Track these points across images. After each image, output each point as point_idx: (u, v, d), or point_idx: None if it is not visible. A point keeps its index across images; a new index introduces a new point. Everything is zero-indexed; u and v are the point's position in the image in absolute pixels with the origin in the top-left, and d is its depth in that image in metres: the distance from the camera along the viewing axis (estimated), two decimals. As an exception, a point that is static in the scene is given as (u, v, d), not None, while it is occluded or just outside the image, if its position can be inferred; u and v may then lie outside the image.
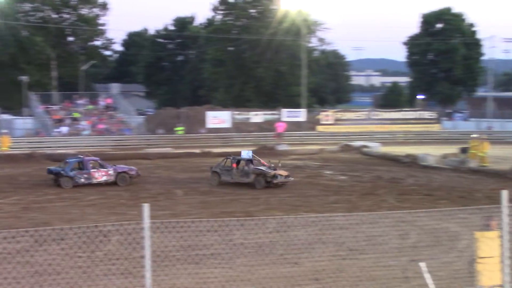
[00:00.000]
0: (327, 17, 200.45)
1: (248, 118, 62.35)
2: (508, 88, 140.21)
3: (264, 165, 32.09)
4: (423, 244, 17.63)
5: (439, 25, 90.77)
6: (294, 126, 62.15)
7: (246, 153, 32.97)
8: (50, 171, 32.51)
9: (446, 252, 17.17)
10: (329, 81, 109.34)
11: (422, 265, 11.14)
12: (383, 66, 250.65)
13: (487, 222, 11.64)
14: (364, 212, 14.88)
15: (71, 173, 31.77)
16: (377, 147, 49.54)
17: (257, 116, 62.62)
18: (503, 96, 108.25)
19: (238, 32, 79.10)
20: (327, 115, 63.65)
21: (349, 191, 30.02)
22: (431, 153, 43.40)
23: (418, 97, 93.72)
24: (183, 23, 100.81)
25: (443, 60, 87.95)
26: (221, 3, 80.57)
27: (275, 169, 31.55)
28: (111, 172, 32.36)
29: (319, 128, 62.28)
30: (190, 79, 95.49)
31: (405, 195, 28.94)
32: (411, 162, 41.08)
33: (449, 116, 72.93)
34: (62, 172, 31.76)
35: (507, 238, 10.11)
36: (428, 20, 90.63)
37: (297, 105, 67.60)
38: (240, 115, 62.34)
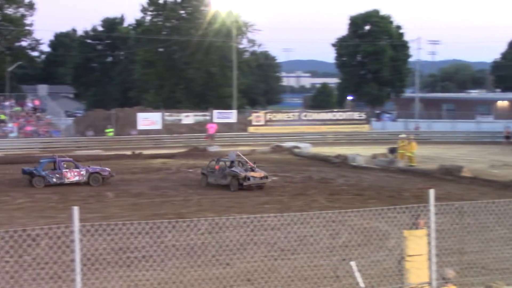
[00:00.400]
0: (258, 18, 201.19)
1: (179, 120, 62.08)
2: (434, 89, 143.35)
3: (246, 166, 31.21)
4: (354, 244, 17.84)
5: (367, 27, 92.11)
6: (225, 127, 62.15)
7: (230, 154, 32.63)
8: (24, 171, 32.88)
9: (376, 251, 17.43)
10: (259, 82, 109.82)
11: (353, 264, 11.27)
12: (313, 68, 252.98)
13: (415, 221, 11.87)
14: (296, 213, 14.95)
15: (43, 173, 32.23)
16: (307, 148, 49.95)
17: (188, 118, 62.39)
18: (429, 97, 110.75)
19: (168, 33, 78.66)
20: (258, 116, 63.86)
21: (280, 192, 30.17)
22: (360, 153, 44.01)
23: (347, 98, 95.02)
24: (112, 24, 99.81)
25: (371, 61, 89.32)
26: (150, 4, 79.96)
27: (252, 171, 30.71)
28: (83, 172, 32.60)
29: (250, 129, 62.44)
30: (120, 80, 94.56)
31: (336, 195, 29.25)
32: (341, 162, 41.56)
33: (378, 117, 74.17)
34: (34, 171, 32.26)
35: (434, 236, 10.32)
36: (356, 22, 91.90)
37: (228, 106, 67.63)
38: (171, 117, 62.04)
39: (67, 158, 34.69)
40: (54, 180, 32.22)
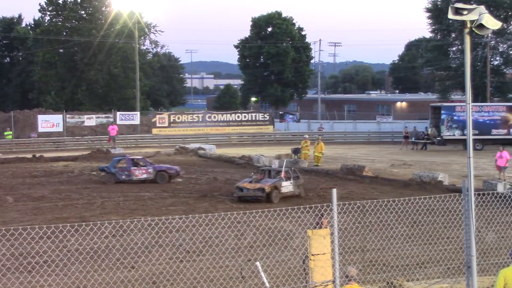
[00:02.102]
0: (160, 19, 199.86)
1: (81, 122, 61.05)
2: (336, 90, 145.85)
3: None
4: (259, 244, 17.99)
5: (269, 29, 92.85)
6: (129, 129, 61.55)
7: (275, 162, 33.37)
8: (100, 169, 35.31)
9: (281, 251, 17.62)
10: (163, 83, 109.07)
11: (258, 264, 11.34)
12: (217, 69, 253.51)
13: (318, 220, 12.05)
14: (201, 214, 14.94)
15: (113, 170, 33.96)
16: (212, 149, 50.02)
17: (90, 120, 61.42)
18: (331, 98, 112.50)
19: (68, 34, 77.17)
20: (162, 118, 63.47)
21: (186, 193, 30.09)
22: (265, 154, 44.41)
23: (251, 99, 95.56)
24: (9, 24, 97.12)
25: (274, 63, 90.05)
26: (48, 3, 78.20)
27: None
28: (150, 170, 33.95)
29: (155, 131, 62.00)
30: (19, 81, 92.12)
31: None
32: (246, 163, 41.81)
33: (281, 118, 74.83)
34: (105, 169, 34.31)
35: (337, 235, 10.49)
36: (259, 24, 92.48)
37: (132, 108, 66.96)
38: (73, 119, 60.94)
39: (137, 157, 36.80)
40: (123, 177, 33.78)
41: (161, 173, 34.12)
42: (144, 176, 33.99)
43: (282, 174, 28.20)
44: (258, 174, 29.30)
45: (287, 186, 28.11)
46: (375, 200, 13.21)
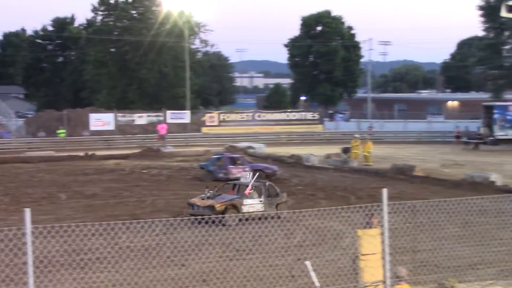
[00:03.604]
0: (210, 18, 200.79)
1: (132, 120, 61.69)
2: (386, 89, 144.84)
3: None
4: (308, 243, 17.95)
5: (319, 28, 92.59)
6: (179, 127, 61.95)
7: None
8: (200, 166, 35.70)
9: (330, 250, 17.55)
10: (213, 83, 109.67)
11: (308, 263, 11.33)
12: (266, 68, 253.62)
13: (368, 220, 11.98)
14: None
15: (211, 168, 34.37)
16: (261, 148, 50.04)
17: (141, 118, 62.03)
18: (381, 97, 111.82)
19: (119, 33, 78.05)
20: (212, 117, 63.77)
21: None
22: (314, 153, 44.26)
23: (300, 98, 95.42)
24: (62, 24, 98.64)
25: (324, 62, 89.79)
26: (100, 3, 79.22)
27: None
28: (247, 169, 33.05)
29: (204, 129, 62.32)
30: (71, 80, 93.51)
31: (290, 195, 29.32)
32: (296, 162, 41.74)
33: (331, 117, 74.59)
34: (204, 166, 34.89)
35: (388, 235, 10.42)
36: (308, 23, 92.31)
37: (182, 107, 67.38)
38: (124, 117, 61.60)
39: (236, 155, 37.18)
40: (221, 175, 33.76)
41: (258, 172, 33.91)
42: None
43: (247, 190, 23.69)
44: (223, 188, 24.83)
45: (253, 205, 23.13)
46: (426, 200, 13.09)
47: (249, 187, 23.77)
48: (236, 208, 22.75)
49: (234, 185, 24.73)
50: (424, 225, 17.28)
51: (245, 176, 25.00)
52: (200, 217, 15.96)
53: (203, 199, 23.29)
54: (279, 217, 20.84)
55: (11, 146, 54.25)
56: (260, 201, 23.41)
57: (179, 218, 16.92)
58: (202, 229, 17.80)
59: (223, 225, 20.24)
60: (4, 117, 61.92)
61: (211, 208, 22.39)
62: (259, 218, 21.17)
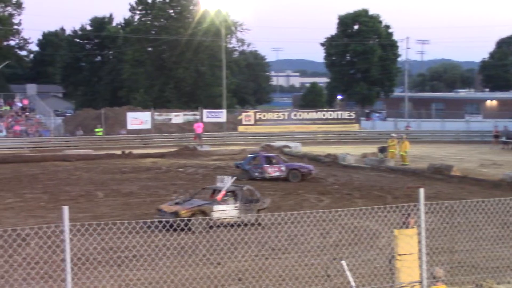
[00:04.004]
0: (247, 18, 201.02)
1: (168, 119, 62.00)
2: (423, 88, 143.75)
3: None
4: (344, 243, 17.87)
5: (356, 27, 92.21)
6: (215, 126, 62.12)
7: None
8: (235, 165, 35.85)
9: (367, 250, 17.47)
10: (249, 81, 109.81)
11: (343, 263, 11.28)
12: (302, 67, 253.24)
13: (405, 220, 11.90)
14: (286, 212, 14.94)
15: (247, 167, 34.40)
16: (298, 147, 49.97)
17: (178, 117, 62.32)
18: (418, 97, 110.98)
19: (157, 33, 78.56)
20: (248, 116, 63.84)
21: (271, 191, 30.17)
22: (350, 152, 44.10)
23: (337, 97, 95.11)
24: (100, 23, 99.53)
25: (361, 61, 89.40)
26: (138, 3, 79.83)
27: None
28: (283, 168, 33.94)
29: (240, 128, 62.42)
30: (109, 79, 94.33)
31: (327, 194, 29.28)
32: (332, 161, 41.62)
33: (368, 116, 74.21)
34: (239, 166, 34.86)
35: (425, 235, 10.34)
36: (345, 21, 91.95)
37: (218, 106, 67.55)
38: (161, 116, 61.94)
39: (271, 154, 37.09)
40: (256, 174, 33.93)
41: (294, 172, 33.83)
42: (277, 174, 33.78)
43: (219, 196, 22.14)
44: (202, 193, 23.60)
45: (225, 211, 21.57)
46: (463, 201, 12.95)
47: (222, 192, 22.21)
48: (205, 214, 21.02)
49: (214, 190, 23.00)
50: (461, 226, 17.10)
51: (223, 180, 23.18)
52: (166, 222, 15.55)
53: (170, 205, 22.13)
54: (259, 224, 20.31)
55: (50, 144, 54.90)
56: (235, 207, 21.80)
57: (216, 217, 16.97)
58: (238, 228, 17.84)
59: (189, 230, 18.34)
60: (43, 116, 62.62)
61: (176, 214, 20.69)
62: (233, 225, 20.35)
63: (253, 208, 22.12)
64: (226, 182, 22.71)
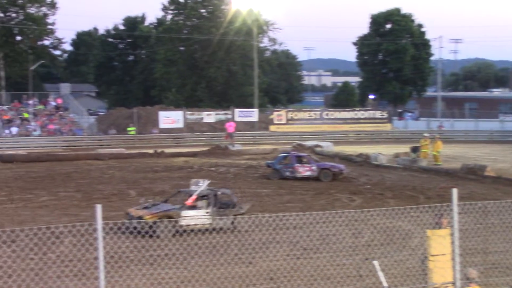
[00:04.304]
0: (278, 17, 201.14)
1: (200, 118, 62.17)
2: (457, 88, 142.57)
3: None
4: (376, 243, 17.81)
5: (388, 26, 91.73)
6: (247, 126, 62.18)
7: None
8: (266, 164, 35.80)
9: (399, 250, 17.38)
10: (281, 81, 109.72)
11: (376, 263, 11.24)
12: (334, 66, 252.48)
13: (438, 220, 11.81)
14: (318, 212, 14.91)
15: (278, 166, 34.21)
16: (329, 147, 49.84)
17: (209, 116, 62.47)
18: (451, 96, 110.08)
19: (189, 32, 78.86)
20: (280, 115, 63.82)
21: (303, 191, 30.15)
22: (382, 152, 43.88)
23: (369, 96, 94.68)
24: (133, 23, 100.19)
25: (393, 60, 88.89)
26: (171, 2, 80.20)
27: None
28: (314, 167, 33.87)
29: (272, 127, 62.41)
30: (141, 79, 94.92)
31: (358, 194, 29.18)
32: (364, 161, 41.45)
33: (400, 116, 73.76)
34: (270, 165, 34.68)
35: (458, 236, 10.27)
36: (377, 20, 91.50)
37: (250, 105, 67.61)
38: (193, 115, 62.14)
39: (302, 153, 37.03)
40: (287, 174, 33.77)
41: (325, 171, 33.74)
42: (308, 173, 33.66)
43: (189, 200, 20.99)
44: (178, 195, 22.74)
45: (195, 217, 20.30)
46: (497, 201, 12.83)
47: (193, 197, 21.08)
48: (173, 220, 19.71)
49: (191, 194, 21.62)
50: (495, 226, 16.94)
51: (198, 183, 21.97)
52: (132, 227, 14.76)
53: (138, 209, 21.13)
54: (234, 228, 19.34)
55: (83, 143, 55.41)
56: (207, 212, 20.59)
57: (246, 216, 16.99)
58: (270, 228, 17.84)
59: (154, 235, 17.57)
60: (76, 115, 63.17)
61: (140, 219, 19.36)
62: (206, 230, 19.45)
63: (228, 213, 20.84)
64: (201, 186, 21.61)
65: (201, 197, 21.21)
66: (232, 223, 19.47)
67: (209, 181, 22.54)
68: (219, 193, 21.92)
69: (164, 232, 18.33)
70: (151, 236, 15.96)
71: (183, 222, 19.81)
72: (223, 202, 21.72)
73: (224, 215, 20.32)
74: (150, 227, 16.69)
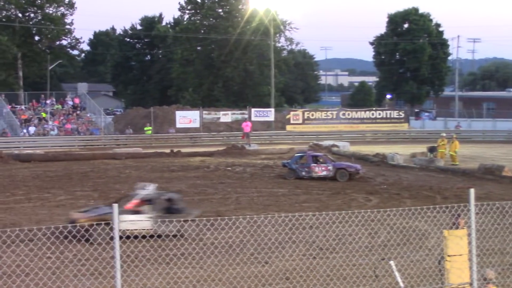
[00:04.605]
0: (295, 17, 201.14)
1: (217, 118, 62.26)
2: (474, 87, 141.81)
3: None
4: (393, 243, 17.75)
5: (405, 25, 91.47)
6: (263, 125, 62.19)
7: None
8: (282, 164, 35.65)
9: (416, 251, 17.32)
10: (297, 80, 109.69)
11: (392, 263, 11.20)
12: (351, 66, 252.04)
13: (455, 221, 11.76)
14: (334, 211, 14.89)
15: (294, 166, 34.08)
16: (346, 147, 49.77)
17: (226, 116, 62.55)
18: (469, 96, 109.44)
19: (206, 32, 79.01)
20: (296, 115, 63.78)
21: (319, 190, 30.11)
22: (399, 152, 43.73)
23: (386, 96, 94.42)
24: (150, 23, 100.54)
25: (410, 60, 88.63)
26: (188, 2, 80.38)
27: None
28: (330, 167, 33.76)
29: (289, 127, 62.39)
30: (158, 78, 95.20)
31: (375, 193, 29.11)
32: (380, 161, 41.34)
33: (417, 116, 73.49)
34: (286, 165, 34.57)
35: (475, 236, 10.21)
36: (395, 20, 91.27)
37: (266, 105, 67.64)
38: (209, 115, 62.23)
39: (318, 153, 36.99)
40: (303, 173, 33.69)
41: (341, 171, 33.61)
42: (324, 173, 33.55)
43: (129, 205, 20.05)
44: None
45: (136, 222, 19.03)
46: (515, 201, 12.74)
47: (134, 201, 20.17)
48: (109, 224, 19.08)
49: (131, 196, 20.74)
50: (513, 227, 16.84)
51: (144, 187, 20.92)
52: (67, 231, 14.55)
53: (77, 213, 20.58)
54: (181, 235, 17.94)
55: (100, 142, 55.64)
56: (150, 217, 19.45)
57: (263, 216, 17.00)
58: (286, 227, 17.83)
59: (88, 240, 16.58)
60: (93, 114, 63.47)
61: (73, 223, 18.08)
62: (150, 236, 16.95)
63: (174, 219, 18.88)
64: (147, 190, 20.59)
65: (146, 201, 20.15)
66: (179, 230, 17.97)
67: (156, 185, 21.55)
68: (165, 197, 20.64)
69: (101, 236, 17.34)
70: (87, 240, 15.39)
71: (121, 226, 17.46)
72: (170, 207, 20.28)
73: (169, 220, 18.42)
74: (87, 230, 15.91)
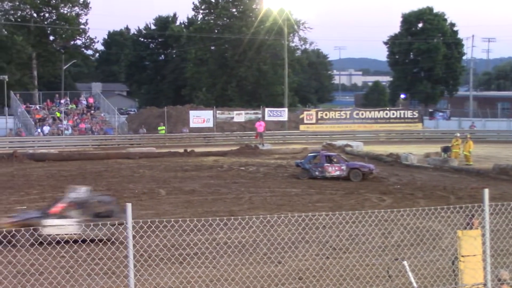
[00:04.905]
0: (309, 16, 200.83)
1: (230, 118, 62.26)
2: (489, 87, 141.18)
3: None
4: (406, 243, 17.70)
5: (420, 25, 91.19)
6: (277, 125, 62.15)
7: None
8: (296, 164, 35.69)
9: (429, 251, 17.26)
10: (311, 80, 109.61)
11: (405, 263, 11.17)
12: (365, 66, 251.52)
13: (469, 221, 11.71)
14: (348, 211, 14.87)
15: (307, 166, 34.13)
16: (359, 146, 49.66)
17: (239, 116, 62.54)
18: (483, 96, 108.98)
19: (219, 32, 79.05)
20: (310, 115, 63.69)
21: (332, 190, 30.08)
22: (413, 152, 43.60)
23: (400, 96, 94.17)
24: (164, 23, 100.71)
25: (424, 59, 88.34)
26: (202, 2, 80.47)
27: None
28: (343, 167, 33.77)
29: (302, 127, 62.31)
30: (172, 78, 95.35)
31: (388, 193, 29.04)
32: (394, 161, 41.23)
33: (431, 115, 73.20)
34: (300, 164, 34.62)
35: (489, 237, 10.16)
36: (409, 19, 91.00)
37: (280, 104, 67.58)
38: (223, 115, 62.25)
39: (332, 153, 37.05)
40: (317, 173, 33.75)
41: (355, 171, 33.58)
42: (337, 173, 33.55)
43: (53, 209, 19.38)
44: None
45: (61, 226, 18.39)
46: (530, 202, 12.67)
47: (59, 205, 19.44)
48: (34, 229, 17.46)
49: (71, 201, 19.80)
50: (528, 227, 16.76)
51: (74, 190, 20.08)
52: None
53: (5, 217, 19.78)
54: (109, 240, 15.90)
55: (114, 142, 55.80)
56: (76, 221, 18.67)
57: (276, 215, 17.00)
58: (299, 227, 17.82)
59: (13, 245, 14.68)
60: (107, 114, 63.65)
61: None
62: (76, 241, 17.05)
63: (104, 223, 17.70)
64: (77, 193, 19.78)
65: (75, 205, 19.41)
66: (105, 234, 16.66)
67: (88, 188, 20.76)
68: (94, 201, 19.89)
69: (25, 241, 15.97)
70: (14, 246, 15.05)
71: (46, 231, 17.82)
72: (101, 211, 19.63)
73: (99, 224, 16.43)
74: (13, 236, 15.08)
